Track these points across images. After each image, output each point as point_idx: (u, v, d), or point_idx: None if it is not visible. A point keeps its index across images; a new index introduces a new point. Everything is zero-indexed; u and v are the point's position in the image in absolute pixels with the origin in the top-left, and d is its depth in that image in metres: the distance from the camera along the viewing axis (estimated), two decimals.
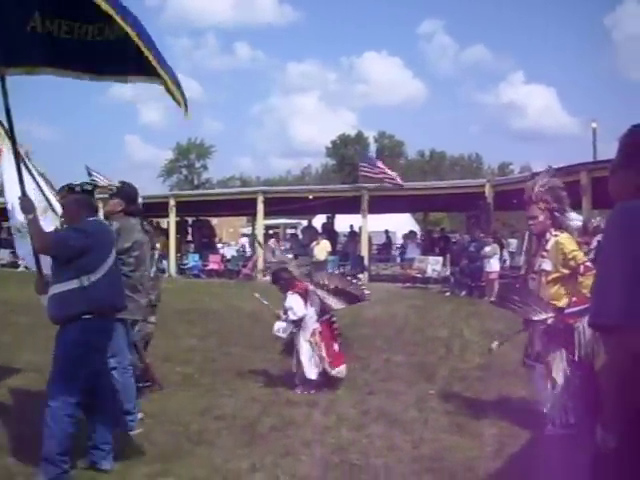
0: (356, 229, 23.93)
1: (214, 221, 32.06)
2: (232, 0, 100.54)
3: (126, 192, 5.71)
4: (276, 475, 4.32)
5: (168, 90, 3.96)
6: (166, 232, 25.26)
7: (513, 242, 22.90)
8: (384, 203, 22.79)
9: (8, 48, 3.98)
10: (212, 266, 23.96)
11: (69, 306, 4.19)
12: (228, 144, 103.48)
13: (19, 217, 4.77)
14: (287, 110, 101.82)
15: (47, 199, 5.62)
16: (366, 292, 7.01)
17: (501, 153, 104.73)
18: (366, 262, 22.16)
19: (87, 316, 4.19)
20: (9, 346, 8.56)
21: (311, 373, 6.46)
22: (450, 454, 4.67)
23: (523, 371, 5.73)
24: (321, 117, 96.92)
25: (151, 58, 3.76)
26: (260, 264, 22.21)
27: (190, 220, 28.53)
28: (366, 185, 22.11)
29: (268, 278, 7.61)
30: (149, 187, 48.99)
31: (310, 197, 23.49)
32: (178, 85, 3.94)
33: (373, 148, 67.51)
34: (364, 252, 22.32)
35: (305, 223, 28.91)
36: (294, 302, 6.59)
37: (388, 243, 26.86)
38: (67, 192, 4.56)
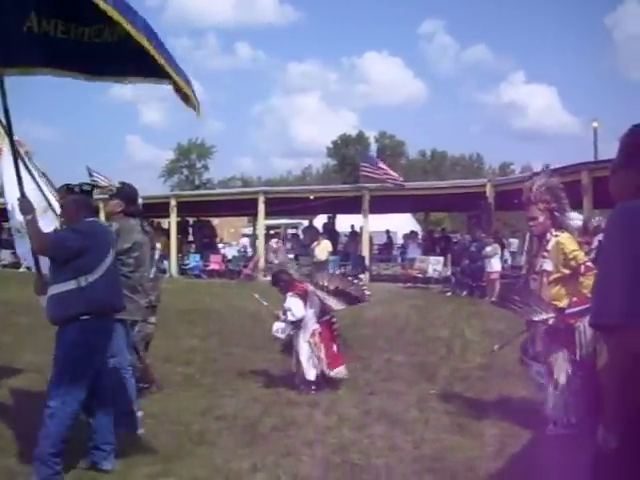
0: (357, 229, 23.94)
1: (215, 221, 32.09)
2: (233, 0, 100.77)
3: (126, 193, 5.70)
4: (277, 475, 4.32)
5: (178, 90, 3.95)
6: (167, 232, 25.30)
7: (514, 242, 22.88)
8: (385, 203, 22.79)
9: (4, 49, 3.97)
10: (213, 266, 23.97)
11: (67, 307, 4.19)
12: (229, 144, 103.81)
13: (19, 217, 4.77)
14: (288, 110, 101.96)
15: (47, 199, 5.62)
16: (367, 293, 7.02)
17: (502, 153, 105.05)
18: (367, 262, 22.17)
19: (85, 317, 4.19)
20: (10, 347, 8.57)
21: (310, 374, 6.46)
22: (451, 454, 4.67)
23: (524, 371, 5.73)
24: (322, 117, 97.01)
25: (157, 57, 3.74)
26: (261, 264, 22.24)
27: (191, 220, 28.56)
28: (367, 185, 22.13)
29: (269, 278, 7.60)
30: (150, 187, 49.01)
31: (311, 197, 23.51)
32: (189, 83, 3.93)
33: (374, 148, 67.49)
34: (365, 252, 22.33)
35: (306, 223, 28.90)
36: (293, 303, 6.60)
37: (389, 243, 26.85)
38: (66, 192, 4.56)
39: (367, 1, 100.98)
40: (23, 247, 5.38)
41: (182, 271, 24.48)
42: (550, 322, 5.02)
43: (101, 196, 11.36)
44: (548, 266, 5.11)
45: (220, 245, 29.80)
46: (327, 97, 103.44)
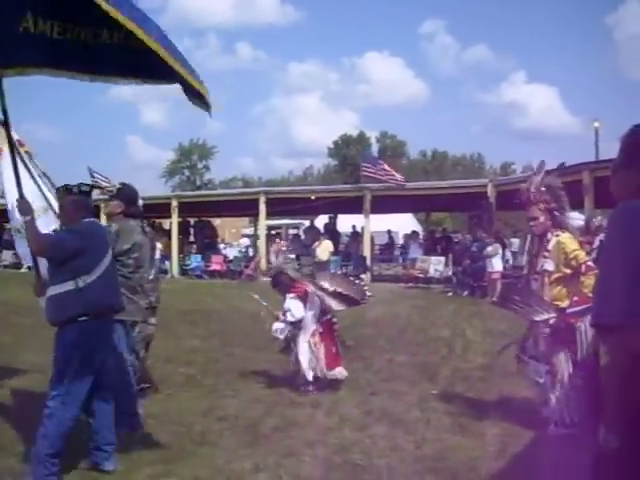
0: (358, 229, 23.95)
1: (216, 222, 32.13)
2: (233, 0, 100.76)
3: (126, 194, 5.71)
4: (279, 475, 4.33)
5: (188, 89, 3.94)
6: (168, 233, 25.34)
7: (515, 242, 22.87)
8: (386, 203, 22.80)
9: (1, 49, 3.97)
10: (214, 267, 23.97)
11: (65, 308, 4.20)
12: (230, 145, 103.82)
13: (19, 217, 4.78)
14: (289, 110, 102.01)
15: (47, 199, 5.62)
16: (367, 293, 7.01)
17: (503, 153, 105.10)
18: (368, 262, 22.18)
19: (83, 318, 4.19)
20: (11, 347, 8.58)
21: (309, 374, 6.47)
22: (453, 454, 4.67)
23: (521, 369, 5.71)
24: (323, 117, 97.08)
25: (167, 57, 3.72)
26: (263, 265, 22.25)
27: (192, 221, 28.58)
28: (368, 185, 22.14)
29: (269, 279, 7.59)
30: (151, 188, 49.05)
31: (312, 197, 23.51)
32: (199, 80, 3.92)
33: (375, 148, 67.55)
34: (366, 252, 22.33)
35: (307, 223, 28.92)
36: (293, 304, 6.61)
37: (390, 243, 26.86)
38: (64, 193, 4.56)
39: (368, 1, 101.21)
40: (24, 247, 5.38)
41: (183, 272, 24.49)
42: (551, 322, 5.02)
43: (102, 197, 11.38)
44: (549, 266, 5.11)
45: (221, 245, 29.81)
46: (328, 97, 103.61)
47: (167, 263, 24.20)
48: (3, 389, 6.45)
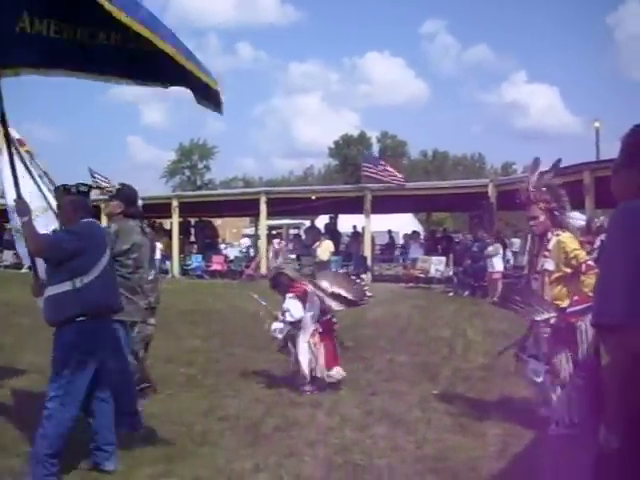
0: (359, 229, 23.94)
1: (217, 222, 32.12)
2: (234, 0, 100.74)
3: (125, 194, 5.71)
4: (280, 475, 4.33)
5: (197, 89, 3.93)
6: (169, 233, 25.35)
7: (516, 242, 22.84)
8: (387, 203, 22.80)
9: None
10: (215, 267, 23.98)
11: (63, 308, 4.20)
12: (231, 145, 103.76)
13: (16, 218, 4.77)
14: (289, 110, 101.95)
15: (47, 199, 5.62)
16: (368, 293, 7.01)
17: (504, 153, 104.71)
18: (369, 262, 22.18)
19: (81, 318, 4.19)
20: (12, 347, 8.60)
21: (308, 374, 6.46)
22: (453, 454, 4.67)
23: (519, 368, 5.71)
24: (324, 117, 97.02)
25: (178, 57, 3.71)
26: (263, 265, 22.25)
27: (193, 221, 28.59)
28: (369, 185, 22.14)
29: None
30: (152, 188, 49.01)
31: (313, 197, 23.51)
32: (213, 78, 3.90)
33: (376, 148, 67.60)
34: (367, 252, 22.33)
35: (308, 223, 28.90)
36: (292, 304, 6.61)
37: (391, 243, 26.85)
38: (62, 193, 4.56)
39: (369, 1, 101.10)
40: (24, 247, 5.38)
41: (184, 272, 24.50)
42: (552, 322, 5.02)
43: (102, 197, 11.40)
44: (549, 265, 5.11)
45: (222, 245, 29.82)
46: (329, 97, 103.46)
47: (168, 263, 24.23)
48: (3, 389, 6.46)
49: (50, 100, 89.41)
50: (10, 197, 5.17)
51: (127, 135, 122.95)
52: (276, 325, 6.66)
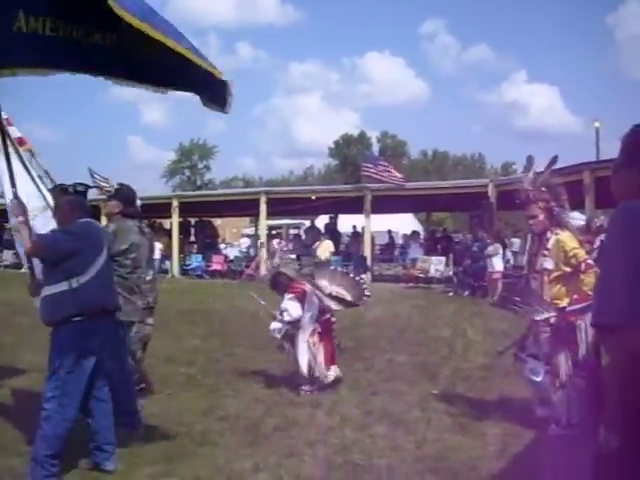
0: (359, 229, 23.94)
1: (217, 222, 32.11)
2: (234, 0, 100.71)
3: (124, 194, 5.71)
4: (280, 475, 4.33)
5: (203, 90, 3.93)
6: (169, 233, 25.35)
7: (516, 242, 22.84)
8: (387, 203, 22.80)
9: None
10: (215, 267, 23.97)
11: (60, 308, 4.20)
12: (231, 145, 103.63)
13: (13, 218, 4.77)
14: (289, 110, 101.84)
15: (45, 199, 5.62)
16: (367, 293, 7.00)
17: (504, 153, 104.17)
18: (369, 262, 22.17)
19: (78, 318, 4.19)
20: (11, 347, 8.60)
21: (307, 374, 6.46)
22: (453, 454, 4.67)
23: (518, 367, 5.71)
24: (324, 117, 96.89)
25: (191, 56, 3.71)
26: (263, 265, 22.24)
27: (193, 221, 28.58)
28: (369, 185, 22.13)
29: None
30: (152, 188, 49.11)
31: (313, 197, 23.50)
32: (220, 72, 3.90)
33: (376, 148, 67.47)
34: (367, 252, 22.33)
35: (308, 223, 28.91)
36: (290, 304, 6.61)
37: (391, 243, 26.85)
38: (59, 193, 4.57)
39: (368, 1, 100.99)
40: (22, 247, 5.39)
41: (184, 271, 24.49)
42: (552, 321, 5.02)
43: (101, 197, 11.42)
44: (549, 264, 5.11)
45: (222, 245, 29.82)
46: (329, 97, 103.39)
47: (168, 263, 24.23)
48: (3, 389, 6.46)
49: (50, 100, 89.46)
50: (9, 197, 5.17)
51: (127, 135, 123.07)
52: (275, 325, 6.66)
